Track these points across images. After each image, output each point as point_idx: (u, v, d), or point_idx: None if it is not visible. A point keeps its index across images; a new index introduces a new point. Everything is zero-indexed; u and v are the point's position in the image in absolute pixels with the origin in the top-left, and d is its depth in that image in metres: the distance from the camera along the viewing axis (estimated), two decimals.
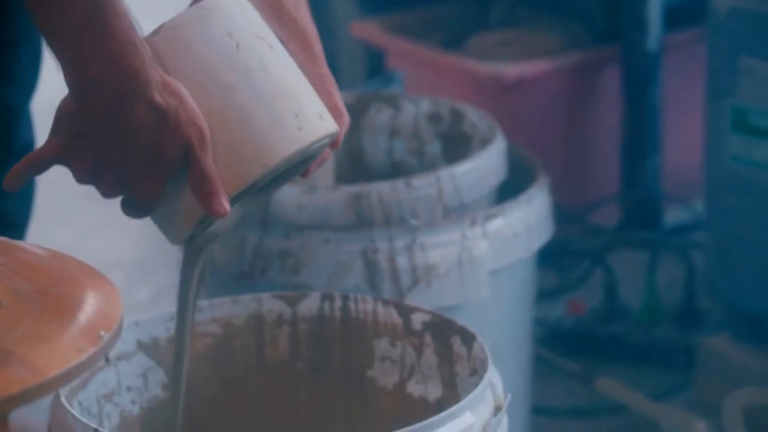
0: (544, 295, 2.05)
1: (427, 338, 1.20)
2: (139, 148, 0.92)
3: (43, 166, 0.95)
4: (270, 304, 1.24)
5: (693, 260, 2.02)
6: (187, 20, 0.98)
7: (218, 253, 1.49)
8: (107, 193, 0.95)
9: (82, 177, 0.94)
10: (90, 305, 0.81)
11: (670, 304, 2.04)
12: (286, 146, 0.99)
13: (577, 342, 2.02)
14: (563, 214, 2.12)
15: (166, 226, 1.00)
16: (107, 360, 1.12)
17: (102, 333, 0.78)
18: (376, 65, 2.57)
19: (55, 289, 0.82)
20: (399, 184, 1.47)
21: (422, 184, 1.48)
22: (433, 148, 1.69)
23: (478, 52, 2.38)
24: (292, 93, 1.00)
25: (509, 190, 1.60)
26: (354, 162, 1.72)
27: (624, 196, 2.29)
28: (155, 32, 0.98)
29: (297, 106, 1.00)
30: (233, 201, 0.99)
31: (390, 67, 2.42)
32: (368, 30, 2.49)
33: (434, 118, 1.69)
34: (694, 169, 2.16)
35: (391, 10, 2.54)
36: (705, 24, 1.88)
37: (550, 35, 2.39)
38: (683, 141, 2.31)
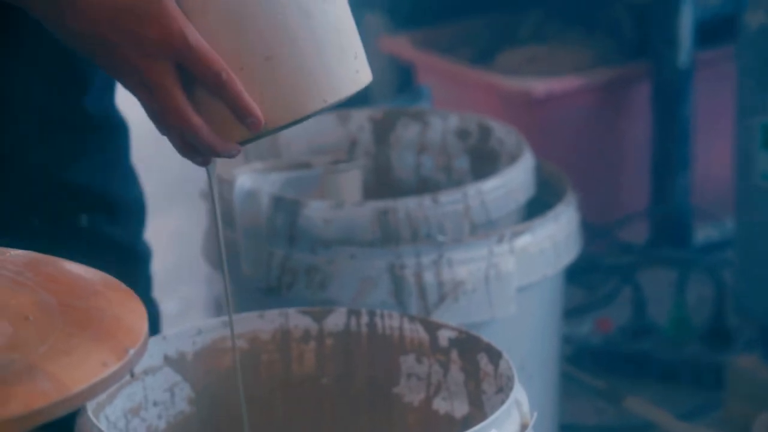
0: (571, 313, 2.04)
1: (454, 355, 1.20)
2: (129, 22, 0.94)
3: (155, 119, 0.98)
4: (296, 319, 1.24)
5: (723, 278, 2.01)
6: None
7: (245, 267, 1.49)
8: (167, 88, 0.95)
9: (144, 95, 0.96)
10: (115, 320, 0.81)
11: (699, 322, 2.03)
12: (346, 86, 0.99)
13: (604, 360, 2.01)
14: (592, 230, 2.11)
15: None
16: (132, 375, 1.12)
17: (127, 348, 0.78)
18: (405, 80, 2.57)
19: (80, 302, 0.82)
20: (426, 199, 1.47)
21: (449, 200, 1.47)
22: (461, 163, 1.69)
23: (508, 67, 2.37)
24: (353, 34, 1.01)
25: (537, 206, 1.60)
26: (381, 178, 1.72)
27: (653, 212, 2.27)
28: None
29: (357, 47, 1.01)
30: (278, 130, 0.99)
31: (419, 82, 2.42)
32: (398, 45, 2.50)
33: (462, 133, 1.69)
34: (724, 187, 2.14)
35: (421, 25, 2.54)
36: (736, 41, 1.87)
37: (579, 51, 2.39)
38: (713, 158, 2.30)
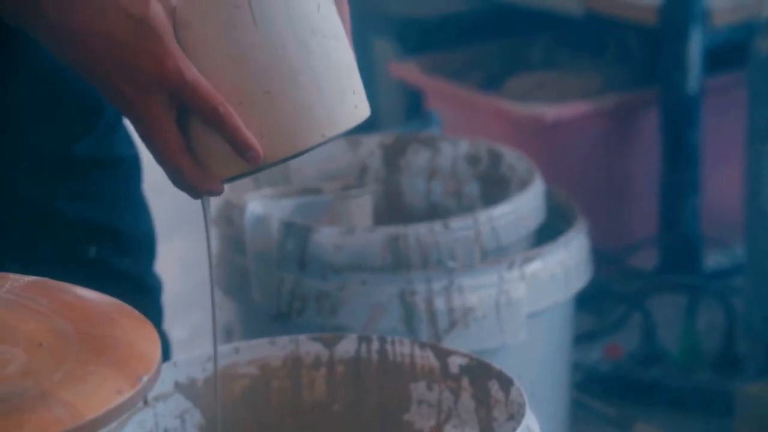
0: (581, 339, 2.04)
1: (465, 382, 1.19)
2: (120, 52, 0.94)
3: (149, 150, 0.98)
4: (307, 345, 1.24)
5: (733, 305, 2.00)
6: None
7: (255, 293, 1.49)
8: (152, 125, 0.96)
9: (138, 126, 0.97)
10: (129, 347, 0.81)
11: (709, 349, 2.02)
12: (345, 121, 0.99)
13: (614, 386, 2.01)
14: (601, 256, 2.10)
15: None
16: (146, 402, 1.12)
17: (141, 375, 0.78)
18: (414, 106, 2.57)
19: (95, 329, 0.82)
20: (437, 225, 1.47)
21: (460, 226, 1.47)
22: (472, 189, 1.69)
23: (517, 93, 2.38)
24: (352, 69, 1.01)
25: (546, 231, 1.60)
26: (391, 203, 1.72)
27: (662, 239, 2.27)
28: None
29: (356, 82, 1.01)
30: (276, 164, 0.99)
31: (428, 107, 2.42)
32: (407, 70, 2.50)
33: (472, 159, 1.69)
34: (733, 213, 2.14)
35: (430, 50, 2.55)
36: (745, 67, 1.87)
37: (588, 77, 2.39)
38: (722, 184, 2.30)
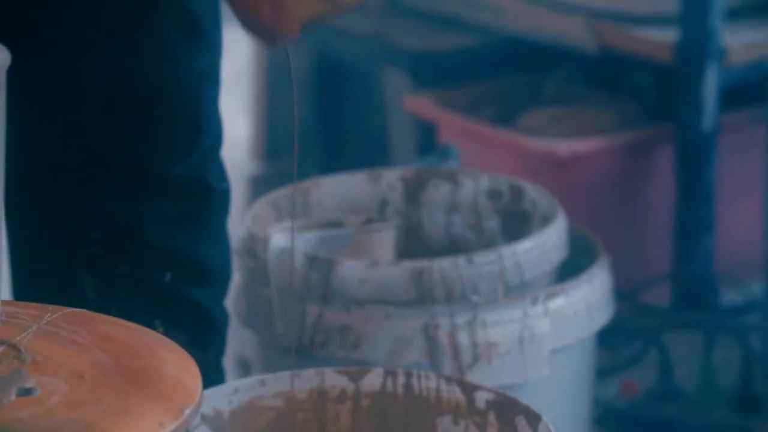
0: (596, 374, 2.03)
1: (491, 417, 1.19)
2: None
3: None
4: (333, 379, 1.23)
5: (750, 342, 2.00)
6: None
7: (278, 325, 1.48)
8: None
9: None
10: (170, 379, 0.81)
11: (726, 386, 2.02)
12: None
13: (630, 423, 2.00)
14: (615, 292, 2.10)
15: None
16: None
17: (183, 408, 0.78)
18: (427, 140, 2.57)
19: (135, 361, 0.82)
20: (461, 260, 1.46)
21: (484, 260, 1.47)
22: (492, 224, 1.69)
23: (531, 128, 2.38)
24: None
25: (565, 267, 1.59)
26: (411, 237, 1.72)
27: (677, 275, 2.27)
28: None
29: None
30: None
31: (442, 141, 2.42)
32: (421, 104, 2.50)
33: (493, 194, 1.69)
34: (748, 250, 2.14)
35: (444, 85, 2.56)
36: (762, 105, 1.87)
37: (602, 113, 2.40)
38: (737, 221, 2.29)
